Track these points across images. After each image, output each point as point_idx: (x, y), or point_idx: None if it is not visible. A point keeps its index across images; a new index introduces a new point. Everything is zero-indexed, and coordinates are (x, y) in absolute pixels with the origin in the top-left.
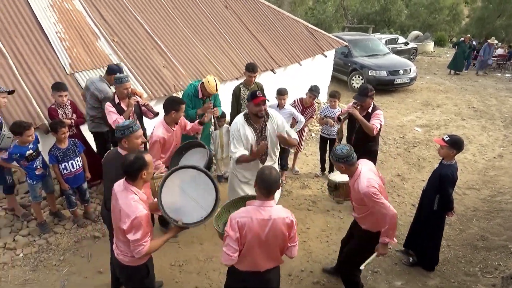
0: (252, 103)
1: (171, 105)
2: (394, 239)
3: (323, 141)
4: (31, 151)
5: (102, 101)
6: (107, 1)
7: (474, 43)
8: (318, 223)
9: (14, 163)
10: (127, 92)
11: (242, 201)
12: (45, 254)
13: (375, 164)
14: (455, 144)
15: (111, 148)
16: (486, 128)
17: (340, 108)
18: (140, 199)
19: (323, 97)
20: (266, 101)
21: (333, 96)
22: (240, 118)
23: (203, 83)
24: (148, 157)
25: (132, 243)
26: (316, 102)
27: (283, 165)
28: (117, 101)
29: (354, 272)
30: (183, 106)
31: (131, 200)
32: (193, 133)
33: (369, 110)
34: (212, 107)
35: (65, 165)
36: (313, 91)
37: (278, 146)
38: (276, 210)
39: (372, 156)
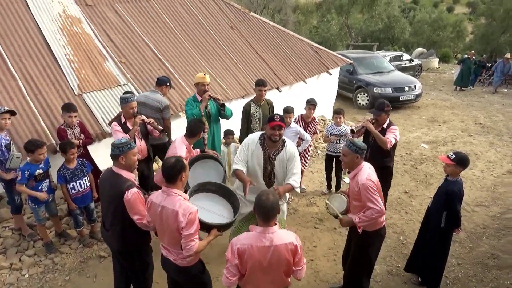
0: (268, 126)
1: (197, 128)
2: (360, 230)
3: (329, 159)
4: (41, 171)
5: (163, 111)
6: (115, 24)
7: (482, 59)
8: (325, 241)
9: (28, 190)
10: (132, 112)
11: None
12: (51, 274)
13: (390, 180)
14: (461, 161)
15: (107, 168)
16: (494, 144)
17: (346, 125)
18: (185, 199)
19: (329, 115)
20: (284, 127)
21: (338, 112)
22: (256, 136)
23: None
24: (185, 161)
25: (186, 239)
26: (322, 120)
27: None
28: (123, 120)
29: (362, 284)
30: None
31: (179, 201)
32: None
33: (384, 126)
34: (210, 94)
35: (73, 185)
36: (310, 103)
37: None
38: (278, 236)
39: (386, 172)
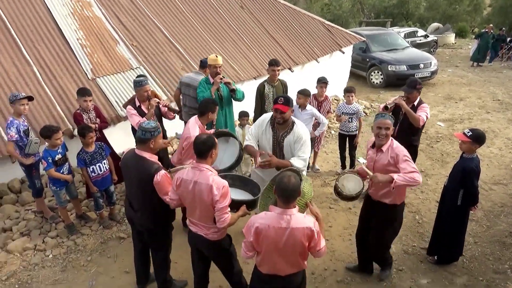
0: (273, 107)
1: (206, 107)
2: (393, 186)
3: (342, 138)
4: (60, 156)
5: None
6: (126, 7)
7: (501, 31)
8: (340, 221)
9: (60, 174)
10: (147, 95)
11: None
12: (73, 255)
13: (415, 159)
14: (477, 138)
15: (129, 149)
16: None
17: (358, 103)
18: (215, 174)
19: (342, 94)
20: (288, 110)
21: (349, 91)
22: (267, 116)
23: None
24: (215, 140)
25: (220, 211)
26: (335, 99)
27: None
28: (137, 104)
29: (387, 249)
30: (217, 107)
31: (212, 175)
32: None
33: (415, 104)
34: (221, 76)
35: (93, 168)
36: (321, 81)
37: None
38: (296, 219)
39: (412, 151)
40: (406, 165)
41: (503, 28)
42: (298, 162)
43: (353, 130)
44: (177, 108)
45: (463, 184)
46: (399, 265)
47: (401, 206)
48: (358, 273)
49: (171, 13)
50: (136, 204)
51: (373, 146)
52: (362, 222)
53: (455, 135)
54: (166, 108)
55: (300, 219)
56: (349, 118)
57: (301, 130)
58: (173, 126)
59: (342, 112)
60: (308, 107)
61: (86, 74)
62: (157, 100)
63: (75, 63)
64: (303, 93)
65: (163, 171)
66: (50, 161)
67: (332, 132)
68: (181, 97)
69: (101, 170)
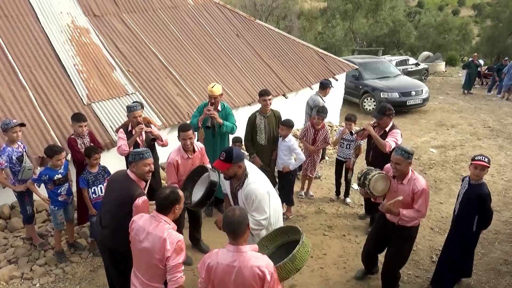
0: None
1: (179, 129)
2: (397, 221)
3: (339, 164)
4: (60, 176)
5: (312, 108)
6: (123, 33)
7: (504, 61)
8: (335, 248)
9: (36, 189)
10: (136, 121)
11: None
12: (62, 283)
13: None
14: (489, 163)
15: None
16: (504, 147)
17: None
18: (173, 228)
19: (335, 120)
20: (229, 168)
21: (349, 119)
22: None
23: None
24: (180, 193)
25: (172, 270)
26: (329, 126)
27: (286, 200)
28: (129, 128)
29: (398, 272)
30: (187, 132)
31: (167, 229)
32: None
33: (387, 129)
34: (210, 109)
35: (94, 189)
36: (320, 112)
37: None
38: (245, 258)
39: None
40: (421, 204)
41: (506, 58)
42: (251, 222)
43: (350, 157)
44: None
45: (479, 210)
46: None
47: (417, 228)
48: None
49: (168, 40)
50: (106, 221)
51: (394, 176)
52: (373, 240)
53: (479, 163)
54: (150, 134)
55: (250, 259)
56: (347, 144)
57: (253, 186)
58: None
59: (342, 138)
60: (288, 138)
61: (81, 99)
62: (142, 126)
63: (71, 89)
64: (286, 125)
65: (145, 197)
66: (44, 178)
67: (327, 158)
68: None
69: (101, 192)
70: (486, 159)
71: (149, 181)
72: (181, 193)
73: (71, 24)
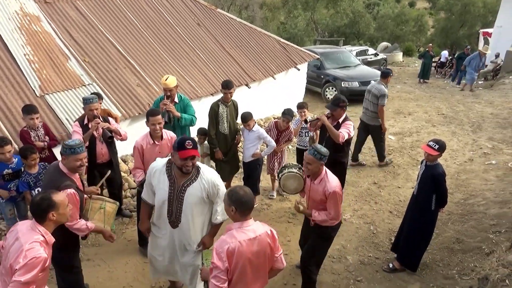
0: (178, 155)
1: (147, 114)
2: (312, 223)
3: (299, 153)
4: (10, 171)
5: (379, 97)
6: (77, 21)
7: (466, 50)
8: (299, 235)
9: None
10: (93, 114)
11: None
12: None
13: (344, 177)
14: (442, 149)
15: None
16: (456, 133)
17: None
18: (46, 241)
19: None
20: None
21: (301, 107)
22: (160, 163)
23: None
24: (58, 197)
25: (14, 284)
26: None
27: (253, 189)
28: (85, 121)
29: (314, 271)
30: (156, 117)
31: (34, 240)
32: None
33: (340, 121)
34: (166, 103)
35: (37, 191)
36: (286, 114)
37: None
38: (257, 227)
39: (339, 168)
40: (331, 207)
41: (468, 47)
42: (220, 215)
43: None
44: (118, 131)
45: (435, 189)
46: (357, 275)
47: (336, 227)
48: (318, 286)
49: (126, 28)
50: None
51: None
52: (302, 233)
53: (423, 148)
54: (107, 130)
55: (260, 226)
56: (305, 132)
57: (210, 173)
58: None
59: (301, 128)
60: (255, 127)
61: (34, 91)
62: (98, 121)
63: (21, 80)
64: (245, 120)
65: (71, 190)
66: None
67: (290, 147)
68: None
69: None
70: (436, 146)
71: (107, 174)
72: (58, 197)
73: (20, 11)
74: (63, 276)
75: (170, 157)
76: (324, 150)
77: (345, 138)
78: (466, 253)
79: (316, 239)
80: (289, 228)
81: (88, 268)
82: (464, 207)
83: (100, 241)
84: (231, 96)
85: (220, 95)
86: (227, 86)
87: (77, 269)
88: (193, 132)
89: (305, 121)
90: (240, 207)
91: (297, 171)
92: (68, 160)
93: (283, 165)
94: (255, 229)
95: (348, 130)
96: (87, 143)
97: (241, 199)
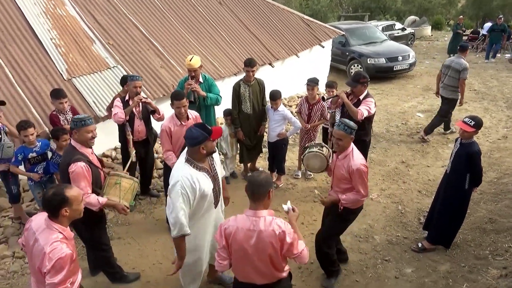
0: (209, 142)
1: (172, 97)
2: (341, 208)
3: (325, 132)
4: (35, 154)
5: (461, 72)
6: (100, 4)
7: (499, 20)
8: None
9: (20, 170)
10: (136, 91)
11: None
12: None
13: (366, 155)
14: (479, 125)
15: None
16: (489, 110)
17: None
18: (66, 237)
19: (323, 88)
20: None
21: (330, 86)
22: (184, 169)
23: None
24: (71, 192)
25: (49, 287)
26: (317, 94)
27: (279, 169)
28: (126, 98)
29: (330, 251)
30: (181, 101)
31: (54, 240)
32: None
33: (360, 98)
34: (191, 83)
35: None
36: (310, 81)
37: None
38: (265, 221)
39: (360, 146)
40: (357, 184)
41: (501, 17)
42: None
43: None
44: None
45: (469, 168)
46: (384, 255)
47: (357, 210)
48: (345, 265)
49: (148, 10)
50: None
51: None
52: (325, 212)
53: (457, 124)
54: (149, 106)
55: (269, 221)
56: (332, 112)
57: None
58: None
59: (327, 108)
60: (281, 108)
61: (61, 74)
62: (141, 97)
63: (49, 64)
64: (274, 99)
65: (82, 163)
66: (20, 158)
67: None
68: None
69: None
70: (472, 123)
71: (131, 158)
72: (71, 192)
73: None
74: (93, 253)
75: (186, 156)
76: (352, 123)
77: (364, 116)
78: (499, 234)
79: (335, 219)
80: (314, 208)
81: (119, 246)
82: (497, 186)
83: (130, 220)
84: (254, 75)
85: (243, 75)
86: (250, 63)
87: (106, 246)
88: (218, 112)
89: (323, 99)
90: (247, 189)
91: (318, 150)
92: (80, 133)
93: (306, 145)
94: (261, 222)
95: (368, 107)
96: (127, 117)
97: (250, 182)
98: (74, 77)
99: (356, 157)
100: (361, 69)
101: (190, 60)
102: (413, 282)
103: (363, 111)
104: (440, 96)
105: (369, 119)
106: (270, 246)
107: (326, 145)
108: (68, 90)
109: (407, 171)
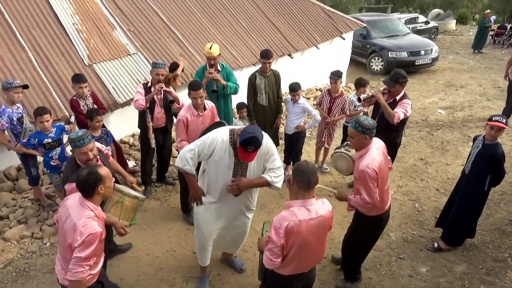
0: (238, 150)
1: (189, 87)
2: (348, 209)
3: (346, 130)
4: (50, 140)
5: None
6: None
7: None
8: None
9: (29, 150)
10: (158, 78)
11: None
12: None
13: (394, 157)
14: (507, 123)
15: None
16: None
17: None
18: (97, 216)
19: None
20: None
21: (362, 85)
22: (225, 136)
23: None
24: (103, 170)
25: (76, 261)
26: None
27: (296, 160)
28: (149, 85)
29: (354, 260)
30: (198, 91)
31: (86, 217)
32: None
33: (397, 98)
34: (212, 71)
35: None
36: (333, 74)
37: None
38: (320, 206)
39: (390, 147)
40: (360, 187)
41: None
42: (272, 177)
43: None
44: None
45: (491, 170)
46: (399, 253)
47: (373, 218)
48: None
49: None
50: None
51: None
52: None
53: (493, 124)
54: (169, 95)
55: (322, 205)
56: (354, 107)
57: (267, 140)
58: None
59: (355, 106)
60: (301, 100)
61: (82, 60)
62: (162, 85)
63: (71, 49)
64: (295, 90)
65: (72, 185)
66: (33, 142)
67: None
68: None
69: None
70: (504, 120)
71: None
72: (103, 171)
73: None
74: None
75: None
76: (367, 122)
77: (401, 118)
78: None
79: (352, 226)
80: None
81: (135, 231)
82: None
83: (145, 207)
84: (270, 66)
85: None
86: (266, 55)
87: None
88: (234, 101)
89: (359, 99)
90: (301, 180)
91: (344, 150)
92: (75, 153)
93: (336, 147)
94: (317, 208)
95: (405, 110)
96: (148, 104)
97: (300, 171)
98: (95, 62)
99: (367, 158)
100: (382, 63)
101: (210, 48)
102: (427, 282)
103: (399, 113)
104: (508, 80)
105: (403, 121)
106: (329, 226)
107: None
108: (89, 76)
109: (426, 169)
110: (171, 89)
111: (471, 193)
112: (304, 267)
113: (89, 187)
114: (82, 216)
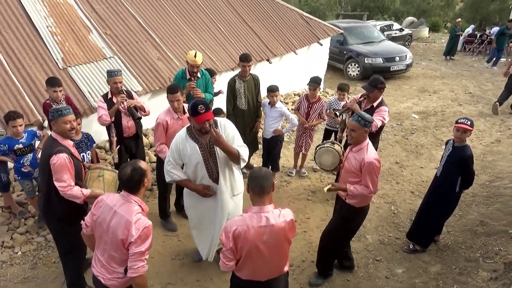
0: (194, 121)
1: (167, 91)
2: (346, 199)
3: (327, 133)
4: (21, 146)
5: None
6: None
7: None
8: (318, 212)
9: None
10: (116, 87)
11: None
12: (44, 251)
13: None
14: (472, 125)
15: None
16: (483, 113)
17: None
18: (143, 210)
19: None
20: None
21: (342, 89)
22: (181, 133)
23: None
24: (143, 164)
25: (135, 257)
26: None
27: (273, 166)
28: (109, 96)
29: (331, 252)
30: (175, 94)
31: (136, 212)
32: None
33: (374, 105)
34: (193, 85)
35: (82, 155)
36: (312, 82)
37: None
38: (274, 215)
39: None
40: (367, 179)
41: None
42: (243, 151)
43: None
44: (143, 108)
45: (461, 172)
46: (376, 255)
47: (362, 210)
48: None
49: (147, 1)
50: (41, 186)
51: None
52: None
53: (458, 126)
54: (133, 107)
55: (278, 214)
56: (340, 114)
57: (225, 122)
58: None
59: (334, 108)
60: (278, 104)
61: (56, 63)
62: (124, 97)
63: (44, 52)
64: (273, 90)
65: (64, 155)
66: (3, 148)
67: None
68: None
69: (84, 160)
70: (469, 122)
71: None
72: (143, 164)
73: None
74: (67, 259)
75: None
76: (367, 116)
77: (379, 126)
78: (490, 236)
79: (338, 219)
80: (308, 206)
81: None
82: (489, 189)
83: None
84: (249, 70)
85: (239, 70)
86: (246, 58)
87: (80, 249)
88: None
89: (335, 115)
90: (252, 185)
91: (329, 145)
92: (58, 124)
93: (317, 145)
94: (271, 217)
95: (382, 118)
96: (113, 118)
97: (256, 177)
98: (69, 66)
99: (371, 151)
100: (359, 68)
101: (195, 57)
102: (403, 283)
103: (377, 121)
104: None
105: (381, 127)
106: (284, 237)
107: (338, 143)
108: (63, 79)
109: (401, 172)
110: (135, 97)
111: (441, 195)
112: (258, 276)
113: (135, 183)
114: (132, 212)
